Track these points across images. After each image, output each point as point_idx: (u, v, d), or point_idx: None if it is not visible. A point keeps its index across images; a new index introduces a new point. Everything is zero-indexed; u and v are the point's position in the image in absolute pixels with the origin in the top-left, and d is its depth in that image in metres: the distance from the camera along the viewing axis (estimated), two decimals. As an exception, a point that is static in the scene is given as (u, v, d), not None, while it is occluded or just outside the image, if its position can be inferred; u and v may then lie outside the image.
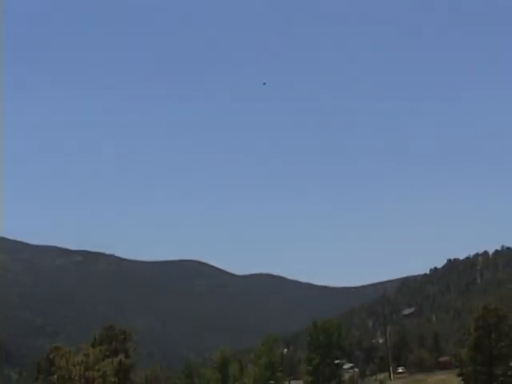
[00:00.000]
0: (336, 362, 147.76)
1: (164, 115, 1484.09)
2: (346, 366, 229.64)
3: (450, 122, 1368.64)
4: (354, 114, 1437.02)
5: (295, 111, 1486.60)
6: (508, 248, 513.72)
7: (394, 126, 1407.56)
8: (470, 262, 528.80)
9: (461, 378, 74.06)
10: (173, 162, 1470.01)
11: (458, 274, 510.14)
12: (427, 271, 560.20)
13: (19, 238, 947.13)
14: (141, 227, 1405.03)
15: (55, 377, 48.55)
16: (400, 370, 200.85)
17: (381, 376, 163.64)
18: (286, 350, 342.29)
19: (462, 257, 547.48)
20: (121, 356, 55.03)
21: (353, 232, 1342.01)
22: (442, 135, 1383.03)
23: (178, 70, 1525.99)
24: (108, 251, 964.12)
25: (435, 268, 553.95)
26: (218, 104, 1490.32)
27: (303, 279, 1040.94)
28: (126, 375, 59.79)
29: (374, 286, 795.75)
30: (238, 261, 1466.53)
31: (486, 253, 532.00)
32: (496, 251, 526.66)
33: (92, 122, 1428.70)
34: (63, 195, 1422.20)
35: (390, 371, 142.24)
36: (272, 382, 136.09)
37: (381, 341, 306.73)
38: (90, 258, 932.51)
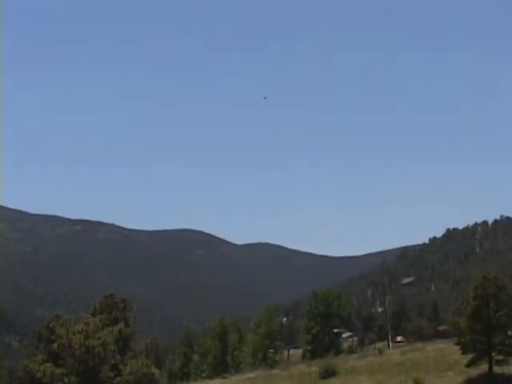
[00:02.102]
0: (335, 330, 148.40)
1: (162, 82, 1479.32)
2: (345, 334, 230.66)
3: (453, 92, 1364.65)
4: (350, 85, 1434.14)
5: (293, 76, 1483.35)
6: (507, 217, 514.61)
7: (391, 97, 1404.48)
8: (469, 232, 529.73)
9: (459, 347, 74.23)
10: (173, 131, 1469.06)
11: (457, 244, 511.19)
12: (426, 241, 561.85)
13: (19, 207, 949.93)
14: (141, 196, 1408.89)
15: (55, 345, 48.81)
16: (399, 338, 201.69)
17: (380, 345, 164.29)
18: (285, 318, 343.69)
19: (461, 226, 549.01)
20: (121, 325, 55.19)
21: (352, 201, 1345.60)
22: (441, 102, 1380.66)
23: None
24: (108, 220, 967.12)
25: (434, 237, 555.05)
26: (216, 72, 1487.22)
27: (303, 249, 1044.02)
28: (126, 344, 59.97)
29: (373, 255, 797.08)
30: (238, 230, 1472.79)
31: (485, 222, 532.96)
32: (495, 221, 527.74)
33: (93, 90, 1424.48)
34: (63, 164, 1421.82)
35: (388, 340, 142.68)
36: (271, 350, 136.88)
37: (380, 310, 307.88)
38: (89, 228, 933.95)
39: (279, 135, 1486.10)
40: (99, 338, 48.03)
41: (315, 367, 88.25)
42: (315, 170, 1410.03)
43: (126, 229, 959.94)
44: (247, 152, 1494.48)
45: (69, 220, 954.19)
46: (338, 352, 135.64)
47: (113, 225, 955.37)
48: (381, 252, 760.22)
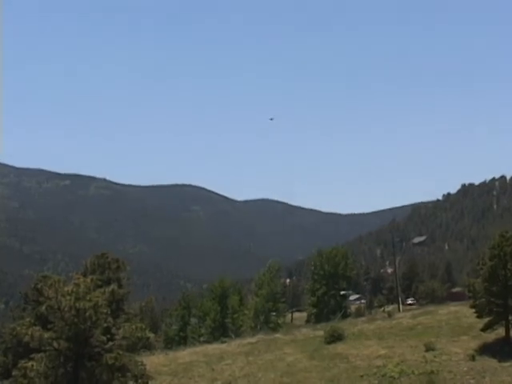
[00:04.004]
0: (342, 292, 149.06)
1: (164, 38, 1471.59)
2: (353, 297, 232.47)
3: (465, 42, 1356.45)
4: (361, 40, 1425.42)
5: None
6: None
7: (401, 50, 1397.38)
8: (486, 187, 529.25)
9: (474, 310, 74.61)
10: (170, 84, 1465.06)
11: (472, 200, 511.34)
12: (440, 197, 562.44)
13: (4, 161, 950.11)
14: (135, 150, 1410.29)
15: (44, 307, 48.98)
16: (409, 301, 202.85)
17: (389, 308, 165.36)
18: (288, 280, 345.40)
19: (477, 181, 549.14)
20: (113, 286, 55.40)
21: (361, 156, 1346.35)
22: (454, 54, 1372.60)
23: None
24: (99, 175, 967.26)
25: (448, 194, 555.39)
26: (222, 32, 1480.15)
27: (308, 205, 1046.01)
28: (120, 306, 60.33)
29: (382, 212, 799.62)
30: (237, 186, 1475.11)
31: (503, 177, 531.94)
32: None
33: (84, 40, 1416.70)
34: (51, 116, 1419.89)
35: (398, 303, 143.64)
36: (274, 313, 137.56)
37: (389, 271, 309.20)
38: (79, 182, 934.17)
39: (283, 94, 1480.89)
40: (90, 300, 48.14)
41: (320, 331, 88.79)
42: (321, 124, 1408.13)
43: (118, 184, 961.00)
44: (248, 107, 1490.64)
45: (57, 174, 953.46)
46: (345, 315, 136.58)
47: (104, 179, 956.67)
48: (391, 209, 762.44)
